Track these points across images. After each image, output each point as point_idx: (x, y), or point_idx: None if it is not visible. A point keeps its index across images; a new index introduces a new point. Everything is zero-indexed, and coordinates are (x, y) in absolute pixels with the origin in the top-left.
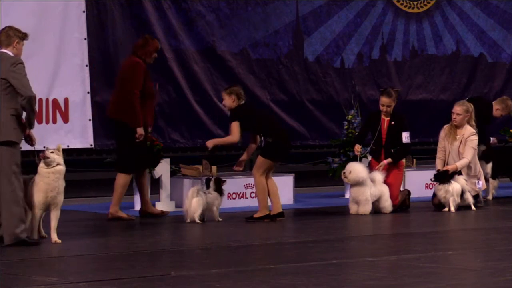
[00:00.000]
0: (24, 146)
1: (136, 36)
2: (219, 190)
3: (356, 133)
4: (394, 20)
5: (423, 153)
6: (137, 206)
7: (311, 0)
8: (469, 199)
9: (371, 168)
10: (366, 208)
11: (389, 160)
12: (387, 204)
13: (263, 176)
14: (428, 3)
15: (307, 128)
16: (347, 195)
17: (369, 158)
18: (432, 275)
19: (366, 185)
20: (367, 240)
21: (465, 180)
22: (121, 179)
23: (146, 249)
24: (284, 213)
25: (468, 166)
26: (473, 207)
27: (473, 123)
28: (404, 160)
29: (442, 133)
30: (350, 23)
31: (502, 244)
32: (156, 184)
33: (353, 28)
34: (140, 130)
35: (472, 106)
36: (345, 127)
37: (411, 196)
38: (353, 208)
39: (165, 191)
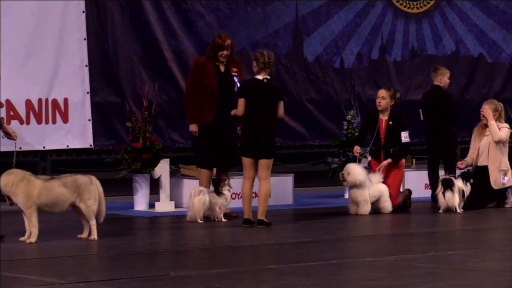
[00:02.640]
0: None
1: (135, 36)
2: (217, 191)
3: (356, 134)
4: (394, 20)
5: (423, 153)
6: (138, 206)
7: (310, 0)
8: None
9: (371, 168)
10: (366, 209)
11: (389, 160)
12: (386, 204)
13: (246, 179)
14: (428, 3)
15: (306, 128)
16: (346, 196)
17: (369, 158)
18: (432, 275)
19: (365, 185)
20: (367, 240)
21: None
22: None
23: (146, 249)
24: (265, 221)
25: (494, 160)
26: (458, 210)
27: (503, 121)
28: (403, 160)
29: (473, 135)
30: (349, 23)
31: (502, 245)
32: (155, 184)
33: (353, 28)
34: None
35: (502, 105)
36: (345, 127)
37: (412, 196)
38: (352, 209)
39: (164, 191)
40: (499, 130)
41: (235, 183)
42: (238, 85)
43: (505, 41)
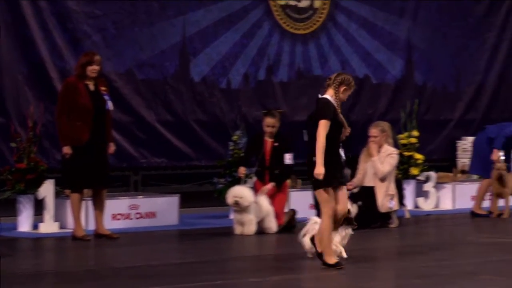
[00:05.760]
0: None
1: (21, 55)
2: None
3: (242, 154)
4: (280, 41)
5: None
6: (21, 227)
7: (197, 21)
8: None
9: (255, 189)
10: (251, 229)
11: (273, 184)
12: (272, 224)
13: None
14: (314, 24)
15: (192, 149)
16: (232, 216)
17: (254, 179)
18: None
19: (251, 206)
20: (252, 260)
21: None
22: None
23: (30, 270)
24: None
25: (382, 185)
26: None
27: (391, 140)
28: (288, 181)
29: (361, 156)
30: (236, 44)
31: (389, 265)
32: (40, 205)
33: (239, 49)
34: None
35: (388, 125)
36: (231, 147)
37: (297, 216)
38: (238, 229)
39: (48, 212)
40: (384, 160)
41: (120, 204)
42: (109, 103)
43: (390, 62)
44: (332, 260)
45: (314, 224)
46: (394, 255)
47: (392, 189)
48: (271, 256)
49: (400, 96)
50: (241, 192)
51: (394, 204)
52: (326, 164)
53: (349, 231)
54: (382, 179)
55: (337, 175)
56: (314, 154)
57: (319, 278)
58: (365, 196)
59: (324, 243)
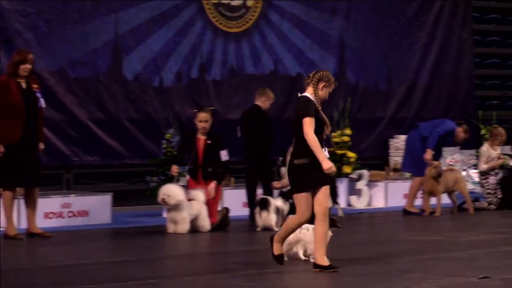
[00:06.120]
0: None
1: None
2: None
3: (175, 153)
4: (213, 39)
5: (241, 172)
6: None
7: (130, 19)
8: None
9: (189, 187)
10: (184, 227)
11: (215, 183)
12: (205, 223)
13: None
14: (247, 22)
15: (125, 147)
16: (165, 214)
17: (187, 177)
18: None
19: (183, 204)
20: (185, 259)
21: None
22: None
23: None
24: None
25: None
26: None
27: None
28: None
29: (288, 155)
30: (169, 42)
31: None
32: None
33: (172, 47)
34: None
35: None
36: (164, 146)
37: (230, 214)
38: (171, 227)
39: None
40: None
41: (52, 202)
42: (41, 101)
43: (323, 61)
44: (324, 262)
45: (305, 232)
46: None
47: None
48: (204, 255)
49: (332, 95)
50: (169, 190)
51: None
52: (307, 166)
53: (330, 232)
54: None
55: (317, 176)
56: (299, 157)
57: (252, 276)
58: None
59: (316, 246)
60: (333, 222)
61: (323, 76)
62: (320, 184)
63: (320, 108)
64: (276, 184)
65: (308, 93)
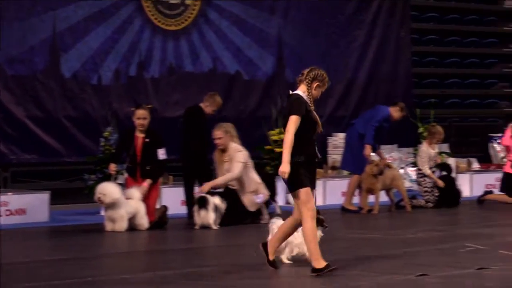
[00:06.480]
0: None
1: None
2: None
3: (113, 151)
4: (152, 37)
5: (179, 170)
6: None
7: (68, 16)
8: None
9: (127, 186)
10: (122, 225)
11: (149, 181)
12: (143, 221)
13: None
14: (186, 20)
15: (63, 145)
16: (103, 212)
17: (126, 175)
18: None
19: (121, 202)
20: (123, 257)
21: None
22: None
23: None
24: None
25: (242, 184)
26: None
27: (236, 139)
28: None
29: (215, 158)
30: (107, 40)
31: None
32: None
33: (111, 45)
34: None
35: (231, 125)
36: (102, 144)
37: (168, 212)
38: (109, 226)
39: None
40: (233, 160)
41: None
42: None
43: (261, 59)
44: (321, 264)
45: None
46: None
47: (254, 184)
48: (142, 253)
49: (271, 93)
50: (104, 189)
51: (262, 197)
52: (301, 164)
53: (319, 232)
54: (240, 179)
55: (310, 175)
56: (295, 154)
57: (188, 275)
58: (230, 196)
59: (310, 248)
60: (320, 221)
61: (318, 75)
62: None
63: (312, 107)
64: (204, 187)
65: (301, 91)
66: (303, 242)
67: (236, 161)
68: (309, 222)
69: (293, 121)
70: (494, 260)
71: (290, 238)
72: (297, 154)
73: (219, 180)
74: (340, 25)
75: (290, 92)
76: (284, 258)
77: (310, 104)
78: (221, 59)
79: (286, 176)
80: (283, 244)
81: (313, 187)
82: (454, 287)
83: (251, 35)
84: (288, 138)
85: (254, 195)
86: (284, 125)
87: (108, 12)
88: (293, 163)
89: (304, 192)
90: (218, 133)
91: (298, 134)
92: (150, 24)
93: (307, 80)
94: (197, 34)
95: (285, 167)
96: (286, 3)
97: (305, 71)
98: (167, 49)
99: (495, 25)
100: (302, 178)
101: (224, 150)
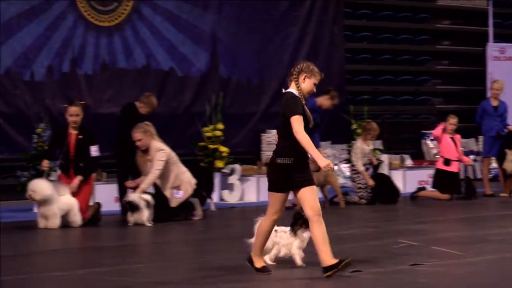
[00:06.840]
0: None
1: None
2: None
3: (46, 147)
4: (85, 33)
5: (113, 167)
6: None
7: (0, 13)
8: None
9: (60, 182)
10: (55, 222)
11: (80, 178)
12: (76, 218)
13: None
14: (119, 16)
15: None
16: (36, 210)
17: (59, 172)
18: None
19: (53, 199)
20: (56, 254)
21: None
22: None
23: None
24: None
25: (164, 180)
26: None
27: (156, 137)
28: (94, 174)
29: (138, 160)
30: (40, 36)
31: (189, 257)
32: None
33: (43, 41)
34: None
35: (149, 124)
36: (35, 140)
37: (102, 209)
38: (41, 223)
39: None
40: (155, 164)
41: None
42: None
43: (195, 55)
44: (333, 260)
45: (281, 235)
46: (197, 247)
47: (175, 180)
48: (75, 250)
49: (205, 89)
50: (35, 186)
51: (181, 194)
52: (291, 167)
53: (308, 234)
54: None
55: (301, 178)
56: (283, 156)
57: (124, 271)
58: (156, 193)
59: (321, 249)
60: (307, 222)
61: (303, 67)
62: (303, 185)
63: (304, 103)
64: (129, 183)
65: (292, 88)
66: (290, 242)
67: (156, 160)
68: (320, 225)
69: (298, 121)
70: (427, 256)
71: (277, 239)
72: (286, 156)
73: (144, 184)
74: (274, 22)
75: (283, 90)
76: (268, 259)
77: (303, 100)
78: (155, 55)
79: (331, 165)
80: (269, 245)
81: (310, 184)
82: (388, 283)
83: (184, 32)
84: (304, 136)
85: (174, 191)
86: (281, 126)
87: (41, 8)
88: (281, 165)
89: (282, 196)
90: (137, 135)
91: (291, 134)
92: (83, 20)
93: (294, 75)
94: (130, 30)
95: (323, 161)
96: None
97: (292, 68)
98: (101, 45)
99: (428, 22)
100: (286, 182)
101: (145, 150)
